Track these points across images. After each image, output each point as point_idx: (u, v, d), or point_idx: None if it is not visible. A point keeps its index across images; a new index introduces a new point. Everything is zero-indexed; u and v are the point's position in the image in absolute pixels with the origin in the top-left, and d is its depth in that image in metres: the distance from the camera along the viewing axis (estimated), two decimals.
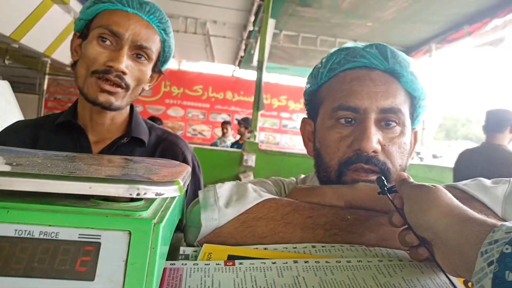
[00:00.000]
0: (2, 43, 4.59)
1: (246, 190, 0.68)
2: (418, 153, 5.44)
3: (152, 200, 0.45)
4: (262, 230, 0.63)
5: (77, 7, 4.91)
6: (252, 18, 5.50)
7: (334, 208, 0.66)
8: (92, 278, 0.37)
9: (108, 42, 0.95)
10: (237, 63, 8.64)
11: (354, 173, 0.74)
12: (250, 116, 4.39)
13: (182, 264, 0.55)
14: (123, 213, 0.40)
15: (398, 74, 0.77)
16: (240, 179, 4.04)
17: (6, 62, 6.71)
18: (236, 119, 6.74)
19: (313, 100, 0.86)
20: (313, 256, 0.60)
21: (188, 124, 8.62)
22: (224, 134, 6.42)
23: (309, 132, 0.88)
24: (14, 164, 0.48)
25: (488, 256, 0.38)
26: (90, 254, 0.38)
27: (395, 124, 0.75)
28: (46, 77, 7.84)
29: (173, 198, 0.51)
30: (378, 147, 0.73)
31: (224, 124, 6.47)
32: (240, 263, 0.55)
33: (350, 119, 0.75)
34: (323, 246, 0.62)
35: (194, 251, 0.61)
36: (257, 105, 4.20)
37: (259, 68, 4.25)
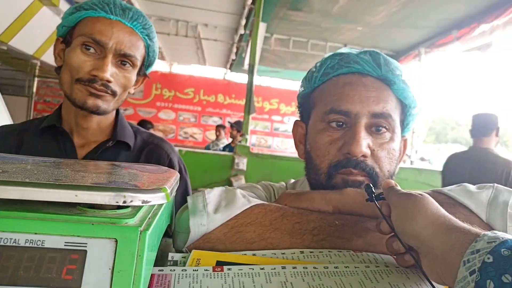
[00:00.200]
0: None
1: (234, 195, 0.68)
2: (408, 156, 5.50)
3: (139, 207, 0.45)
4: (250, 236, 0.63)
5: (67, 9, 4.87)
6: (243, 22, 5.52)
7: (322, 214, 0.67)
8: (78, 286, 0.37)
9: (92, 50, 0.95)
10: (228, 66, 8.65)
11: (343, 174, 0.75)
12: (242, 119, 4.39)
13: (171, 270, 0.55)
14: (109, 220, 0.40)
15: (390, 81, 0.78)
16: (231, 183, 4.04)
17: None
18: (229, 122, 6.74)
19: (306, 103, 0.87)
20: (301, 262, 0.60)
21: (180, 127, 8.58)
22: (217, 137, 6.42)
23: (300, 134, 0.88)
24: (0, 171, 0.48)
25: (471, 265, 0.38)
26: (76, 262, 0.37)
27: (385, 130, 0.76)
28: (36, 79, 7.77)
29: (161, 204, 0.51)
30: (368, 152, 0.74)
31: (218, 128, 6.47)
32: (229, 269, 0.55)
33: (341, 123, 0.76)
34: (311, 252, 0.62)
35: (182, 257, 0.61)
36: (248, 108, 4.20)
37: (250, 72, 4.25)
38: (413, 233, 0.49)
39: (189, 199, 0.67)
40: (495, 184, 0.68)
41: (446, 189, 0.70)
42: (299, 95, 0.90)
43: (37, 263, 0.37)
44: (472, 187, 0.70)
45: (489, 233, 0.41)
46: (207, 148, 6.33)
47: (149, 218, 0.44)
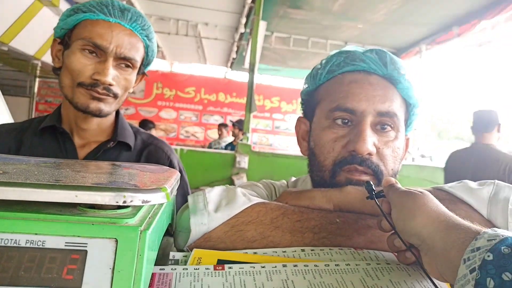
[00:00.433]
0: None
1: (235, 194, 0.68)
2: (409, 152, 5.50)
3: (139, 207, 0.45)
4: (251, 234, 0.64)
5: None
6: (244, 20, 5.51)
7: (322, 212, 0.67)
8: (79, 286, 0.37)
9: (92, 54, 0.95)
10: (229, 65, 8.64)
11: (348, 173, 0.75)
12: (244, 118, 4.40)
13: (172, 269, 0.55)
14: (109, 220, 0.40)
15: (395, 80, 0.78)
16: (233, 181, 4.04)
17: None
18: (231, 121, 6.74)
19: (310, 100, 0.87)
20: (302, 260, 0.60)
21: (181, 126, 8.59)
22: (219, 136, 6.43)
23: (304, 131, 0.89)
24: (1, 172, 0.48)
25: (471, 263, 0.38)
26: (76, 262, 0.38)
27: (390, 128, 0.77)
28: (37, 79, 7.79)
29: (161, 204, 0.52)
30: (374, 150, 0.74)
31: (220, 126, 6.48)
32: (230, 268, 0.55)
33: (346, 120, 0.76)
34: (312, 250, 0.62)
35: (184, 256, 0.61)
36: (249, 107, 4.20)
37: (251, 70, 4.25)
38: (413, 231, 0.49)
39: (189, 198, 0.67)
40: (496, 181, 0.68)
41: (446, 186, 0.70)
42: (302, 92, 0.90)
43: (38, 263, 0.37)
44: (472, 184, 0.69)
45: (489, 230, 0.41)
46: (209, 147, 6.34)
47: (149, 218, 0.44)
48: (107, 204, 0.40)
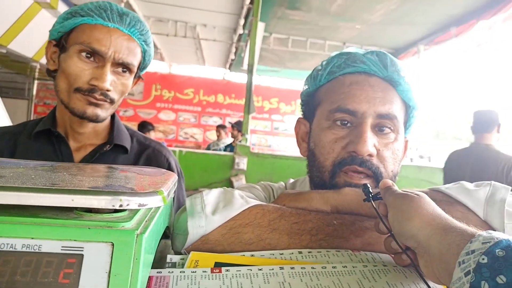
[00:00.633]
0: None
1: (232, 196, 0.68)
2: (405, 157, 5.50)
3: (136, 211, 0.45)
4: (249, 237, 0.64)
5: None
6: (242, 22, 5.51)
7: (320, 214, 0.67)
8: None
9: (90, 58, 0.94)
10: (227, 66, 8.65)
11: (346, 175, 0.75)
12: (243, 119, 4.40)
13: (169, 272, 0.55)
14: (106, 224, 0.40)
15: (395, 82, 0.79)
16: (232, 183, 4.05)
17: None
18: (230, 122, 6.74)
19: (310, 101, 0.87)
20: (299, 262, 0.60)
21: (180, 127, 8.59)
22: (218, 137, 6.43)
23: (303, 132, 0.89)
24: None
25: (465, 266, 0.38)
26: (73, 266, 0.38)
27: (390, 130, 0.77)
28: (35, 82, 7.78)
29: (158, 207, 0.52)
30: (374, 151, 0.74)
31: (218, 128, 6.48)
32: (227, 270, 0.55)
33: (346, 122, 0.77)
34: (309, 252, 0.63)
35: (181, 258, 0.61)
36: (248, 108, 4.21)
37: (250, 72, 4.26)
38: (409, 233, 0.49)
39: (187, 200, 0.67)
40: (493, 182, 0.68)
41: (443, 187, 0.70)
42: (302, 93, 0.90)
43: (34, 267, 0.37)
44: (469, 185, 0.70)
45: (484, 233, 0.41)
46: (208, 148, 6.34)
47: (146, 221, 0.44)
48: (103, 208, 0.40)
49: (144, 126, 5.60)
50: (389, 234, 0.56)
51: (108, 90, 0.95)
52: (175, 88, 8.52)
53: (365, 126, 0.74)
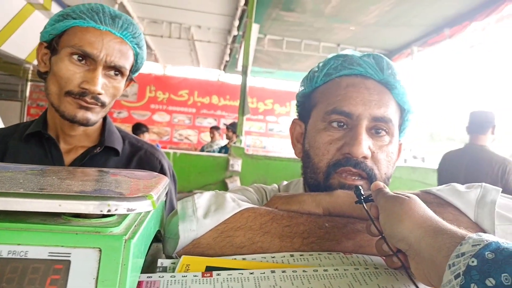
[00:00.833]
0: None
1: (224, 200, 0.68)
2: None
3: (125, 215, 0.44)
4: (240, 240, 0.63)
5: None
6: (237, 23, 5.52)
7: (311, 216, 0.67)
8: None
9: (81, 61, 0.93)
10: (222, 67, 8.65)
11: (341, 176, 0.75)
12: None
13: (159, 276, 0.54)
14: (93, 230, 0.39)
15: (391, 86, 0.79)
16: (226, 184, 4.04)
17: None
18: (224, 124, 6.74)
19: (306, 102, 0.87)
20: (291, 265, 0.60)
21: (174, 129, 8.57)
22: (212, 139, 6.42)
23: (298, 133, 0.89)
24: None
25: (455, 268, 0.38)
26: (60, 273, 0.37)
27: (384, 133, 0.78)
28: (29, 83, 7.72)
29: (148, 211, 0.51)
30: (369, 153, 0.75)
31: (212, 129, 6.47)
32: (218, 274, 0.55)
33: (342, 124, 0.77)
34: (301, 255, 0.62)
35: (172, 263, 0.61)
36: (242, 110, 4.20)
37: (244, 73, 4.26)
38: (400, 236, 0.49)
39: (178, 204, 0.67)
40: (483, 184, 0.69)
41: (435, 189, 0.71)
42: (298, 94, 0.90)
43: (20, 274, 0.37)
44: (460, 187, 0.70)
45: (474, 235, 0.41)
46: (202, 150, 6.33)
47: (135, 226, 0.44)
48: (91, 213, 0.39)
49: (138, 127, 5.58)
50: (380, 236, 0.56)
51: (99, 94, 0.94)
52: (169, 89, 8.50)
53: (360, 128, 0.75)
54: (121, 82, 1.00)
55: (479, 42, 5.16)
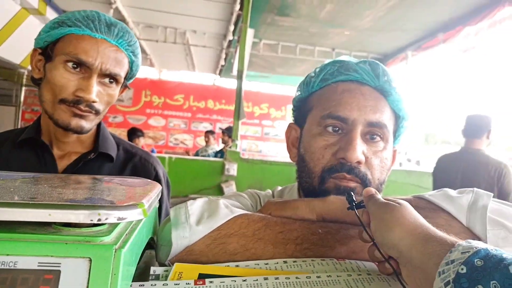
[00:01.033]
0: None
1: (217, 206, 0.67)
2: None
3: (116, 224, 0.44)
4: (233, 247, 0.63)
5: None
6: (232, 28, 5.53)
7: (305, 223, 0.67)
8: None
9: (77, 69, 0.92)
10: (218, 72, 8.66)
11: (336, 179, 0.75)
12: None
13: (152, 285, 0.54)
14: (84, 239, 0.39)
15: (387, 92, 0.80)
16: (222, 189, 4.03)
17: None
18: (220, 128, 6.74)
19: (302, 107, 0.88)
20: (284, 272, 0.60)
21: (170, 133, 8.56)
22: (206, 143, 6.41)
23: (294, 137, 0.89)
24: None
25: (445, 276, 0.38)
26: (49, 283, 0.37)
27: (379, 139, 0.78)
28: (23, 88, 7.69)
29: (140, 219, 0.51)
30: (362, 158, 0.75)
31: (207, 134, 6.46)
32: (210, 282, 0.55)
33: (337, 129, 0.77)
34: (294, 261, 0.62)
35: (165, 270, 0.60)
36: (237, 114, 4.21)
37: (239, 78, 4.27)
38: (391, 243, 0.49)
39: (171, 211, 0.67)
40: (475, 189, 0.69)
41: (427, 195, 0.71)
42: (295, 98, 0.91)
43: (10, 284, 0.36)
44: (452, 192, 0.70)
45: (463, 242, 0.41)
46: (197, 154, 6.32)
47: (126, 235, 0.44)
48: (81, 222, 0.39)
49: (134, 132, 5.57)
50: (372, 243, 0.56)
51: (94, 102, 0.93)
52: (165, 94, 8.50)
53: (355, 133, 0.75)
54: (115, 89, 1.00)
55: (473, 46, 5.20)
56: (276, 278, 0.56)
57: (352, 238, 0.64)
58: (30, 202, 0.40)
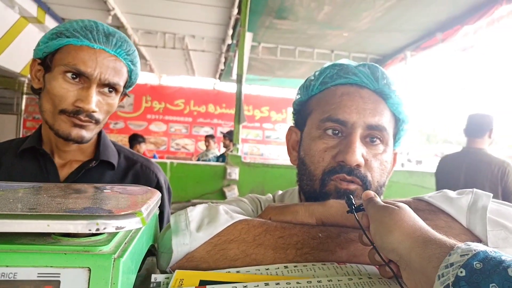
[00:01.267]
0: None
1: (217, 212, 0.67)
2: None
3: (115, 233, 0.44)
4: (234, 253, 0.63)
5: (53, 26, 4.87)
6: (230, 32, 5.54)
7: (305, 227, 0.67)
8: None
9: (76, 79, 0.93)
10: (217, 76, 8.67)
11: (336, 181, 0.75)
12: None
13: None
14: (83, 249, 0.39)
15: (386, 95, 0.80)
16: (224, 193, 4.03)
17: None
18: (221, 132, 6.75)
19: (302, 110, 0.88)
20: (285, 277, 0.60)
21: (171, 138, 8.57)
22: (207, 147, 6.41)
23: (294, 140, 0.90)
24: None
25: (445, 279, 0.38)
26: None
27: (379, 142, 0.79)
28: (24, 96, 7.72)
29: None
30: (362, 161, 0.75)
31: (207, 138, 6.46)
32: None
33: (337, 131, 0.78)
34: (295, 266, 0.62)
35: (166, 278, 0.60)
36: (238, 118, 4.21)
37: (239, 82, 4.27)
38: (391, 246, 0.49)
39: (171, 218, 0.67)
40: (474, 189, 0.69)
41: (426, 196, 0.71)
42: (295, 102, 0.91)
43: None
44: (452, 193, 0.70)
45: (462, 245, 0.41)
46: (198, 159, 6.32)
47: (125, 243, 0.44)
48: (80, 232, 0.39)
49: (135, 138, 5.58)
50: (372, 246, 0.56)
51: (93, 112, 0.94)
52: (165, 99, 8.51)
53: (355, 136, 0.75)
54: (115, 98, 1.00)
55: (471, 45, 5.20)
56: (277, 284, 0.56)
57: (352, 241, 0.64)
58: (29, 213, 0.40)
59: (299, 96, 0.90)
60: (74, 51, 0.92)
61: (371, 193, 0.60)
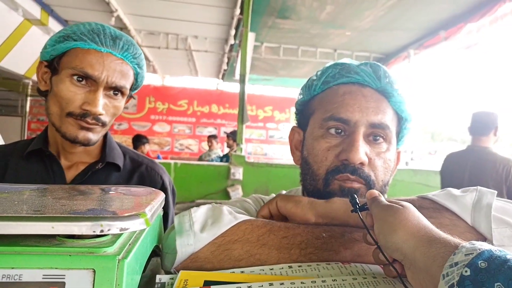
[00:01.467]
0: None
1: (221, 213, 0.68)
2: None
3: (119, 234, 0.45)
4: (238, 253, 0.63)
5: (56, 28, 4.90)
6: (233, 32, 5.55)
7: (308, 227, 0.67)
8: None
9: (82, 82, 0.93)
10: (220, 76, 8.68)
11: (340, 180, 0.75)
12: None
13: None
14: (87, 250, 0.40)
15: (388, 94, 0.80)
16: (228, 193, 4.03)
17: None
18: (225, 132, 6.75)
19: (304, 110, 0.88)
20: (289, 277, 0.60)
21: (175, 139, 8.59)
22: (209, 148, 6.42)
23: (297, 140, 0.90)
24: None
25: (449, 279, 0.38)
26: None
27: (382, 140, 0.78)
28: (28, 98, 7.76)
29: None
30: (366, 159, 0.75)
31: (209, 138, 6.47)
32: None
33: (339, 130, 0.78)
34: (299, 266, 0.62)
35: (170, 278, 0.61)
36: (241, 118, 4.21)
37: (242, 81, 4.28)
38: (395, 246, 0.49)
39: (175, 219, 0.67)
40: (478, 187, 0.68)
41: (430, 194, 0.71)
42: (297, 101, 0.91)
43: None
44: (456, 191, 0.70)
45: (467, 244, 0.41)
46: (200, 159, 6.32)
47: (129, 244, 0.44)
48: (84, 234, 0.40)
49: (139, 139, 5.59)
50: (376, 246, 0.55)
51: (100, 114, 0.94)
52: (169, 99, 8.53)
53: (358, 134, 0.75)
54: (121, 101, 1.01)
55: (475, 43, 5.17)
56: (281, 284, 0.56)
57: (356, 241, 0.64)
58: (33, 215, 0.41)
59: (301, 96, 0.90)
60: (81, 54, 0.93)
61: (375, 192, 0.60)
